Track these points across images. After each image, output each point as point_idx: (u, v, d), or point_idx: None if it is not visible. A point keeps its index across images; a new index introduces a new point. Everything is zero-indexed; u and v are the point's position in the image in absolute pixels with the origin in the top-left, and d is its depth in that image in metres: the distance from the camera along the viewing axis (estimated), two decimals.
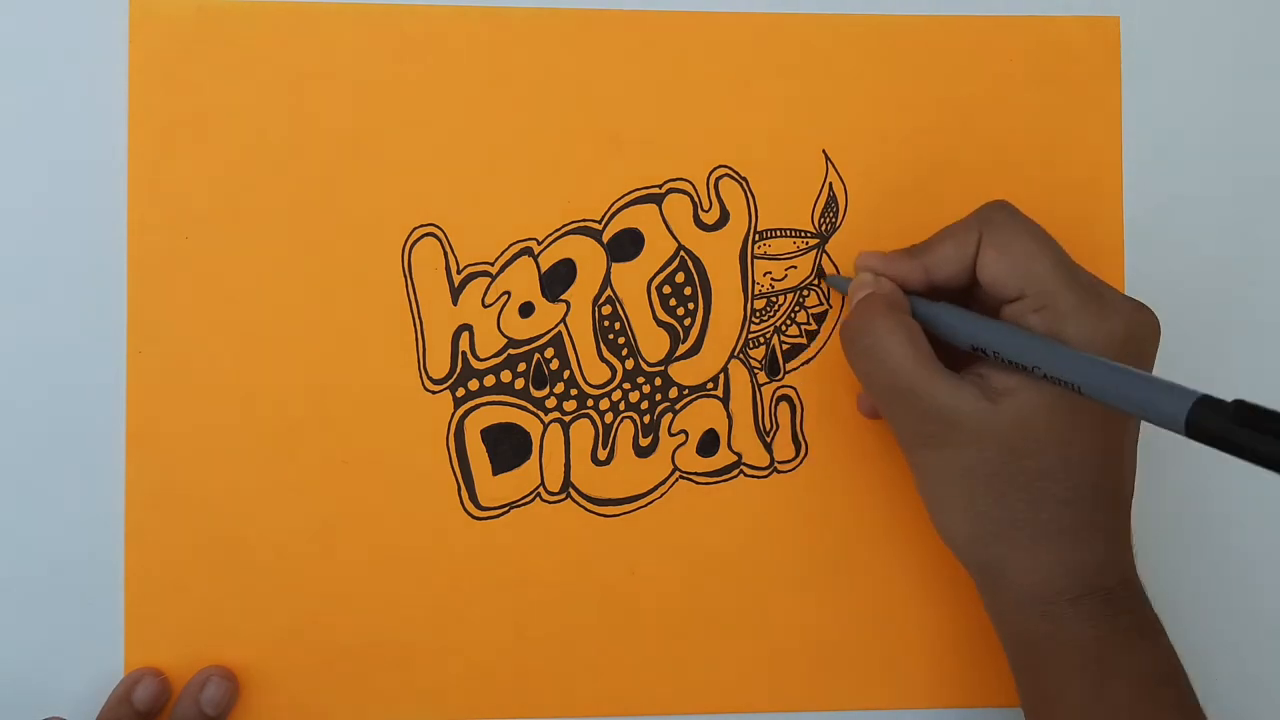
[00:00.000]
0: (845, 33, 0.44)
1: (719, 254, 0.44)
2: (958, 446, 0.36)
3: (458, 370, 0.43)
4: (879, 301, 0.38)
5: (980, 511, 0.37)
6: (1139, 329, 0.37)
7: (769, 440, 0.44)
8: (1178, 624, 0.38)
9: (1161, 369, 0.44)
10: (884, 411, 0.39)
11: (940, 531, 0.39)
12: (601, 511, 0.43)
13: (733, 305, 0.44)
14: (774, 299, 0.44)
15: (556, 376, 0.43)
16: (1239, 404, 0.30)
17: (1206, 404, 0.30)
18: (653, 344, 0.44)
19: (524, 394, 0.43)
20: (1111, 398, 0.33)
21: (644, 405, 0.44)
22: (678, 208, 0.44)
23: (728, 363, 0.44)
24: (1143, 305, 0.37)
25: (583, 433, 0.43)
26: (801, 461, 0.44)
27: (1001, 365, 0.36)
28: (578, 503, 0.43)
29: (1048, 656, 0.37)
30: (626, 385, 0.44)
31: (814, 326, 0.44)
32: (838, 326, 0.44)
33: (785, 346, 0.44)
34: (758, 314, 0.44)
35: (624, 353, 0.44)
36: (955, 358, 0.38)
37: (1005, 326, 0.37)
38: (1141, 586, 0.38)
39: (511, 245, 0.43)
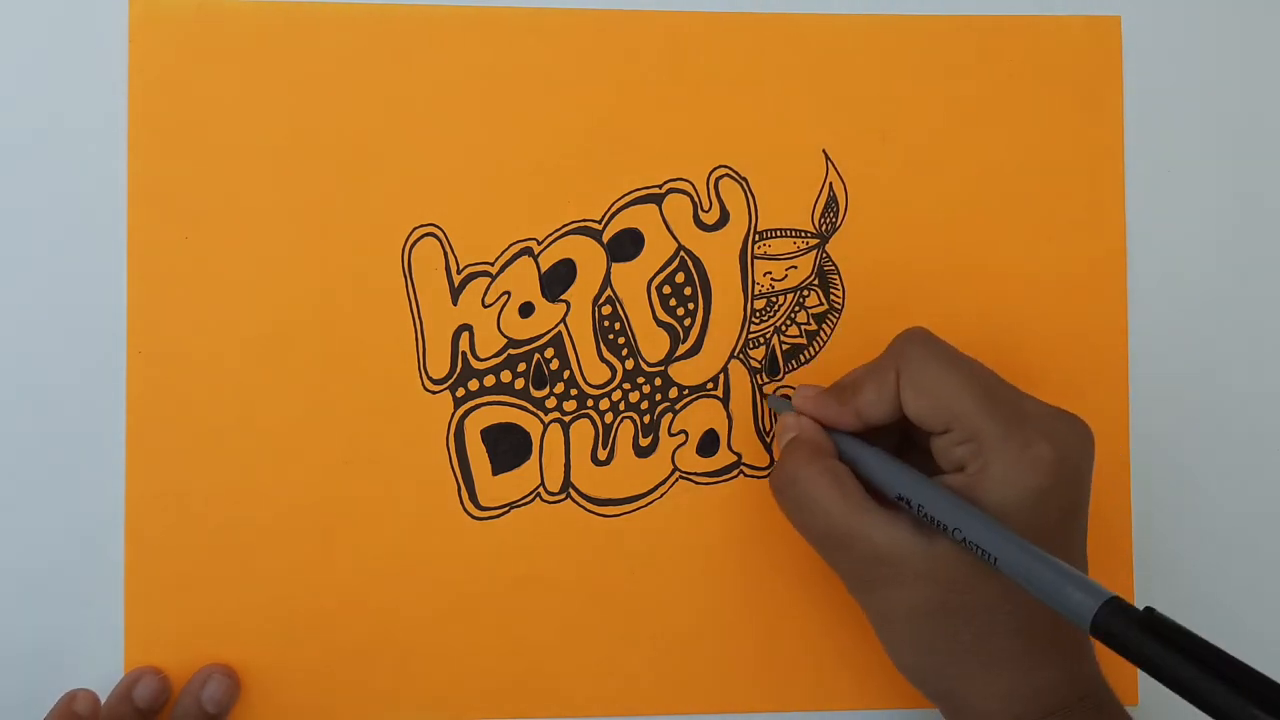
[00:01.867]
0: (845, 33, 0.44)
1: (719, 254, 0.44)
2: (898, 586, 0.36)
3: (458, 370, 0.43)
4: (803, 449, 0.38)
5: (931, 646, 0.37)
6: (1068, 448, 0.36)
7: (769, 440, 0.44)
8: None
9: (1162, 369, 0.44)
10: (823, 557, 0.38)
11: (896, 665, 0.38)
12: (601, 511, 0.43)
13: (733, 305, 0.44)
14: (774, 299, 0.44)
15: (556, 376, 0.43)
16: (1149, 613, 0.29)
17: (1114, 607, 0.30)
18: (653, 344, 0.44)
19: (524, 394, 0.43)
20: (1024, 580, 0.32)
21: (644, 405, 0.44)
22: (678, 208, 0.44)
23: (728, 363, 0.44)
24: (1071, 418, 0.37)
25: (583, 433, 0.43)
26: None
27: (925, 522, 0.36)
28: (578, 503, 0.43)
29: None
30: (626, 385, 0.44)
31: (814, 326, 0.44)
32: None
33: (785, 346, 0.44)
34: (758, 314, 0.44)
35: (624, 353, 0.44)
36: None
37: (928, 484, 0.36)
38: (1110, 692, 0.37)
39: (511, 245, 0.43)
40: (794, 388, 0.44)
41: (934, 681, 0.38)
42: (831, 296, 0.44)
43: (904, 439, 0.40)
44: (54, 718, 0.40)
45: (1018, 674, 0.36)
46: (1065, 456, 0.35)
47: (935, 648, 0.37)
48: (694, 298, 0.44)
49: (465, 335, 0.43)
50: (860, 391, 0.38)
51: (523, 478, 0.43)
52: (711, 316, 0.44)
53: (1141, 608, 0.30)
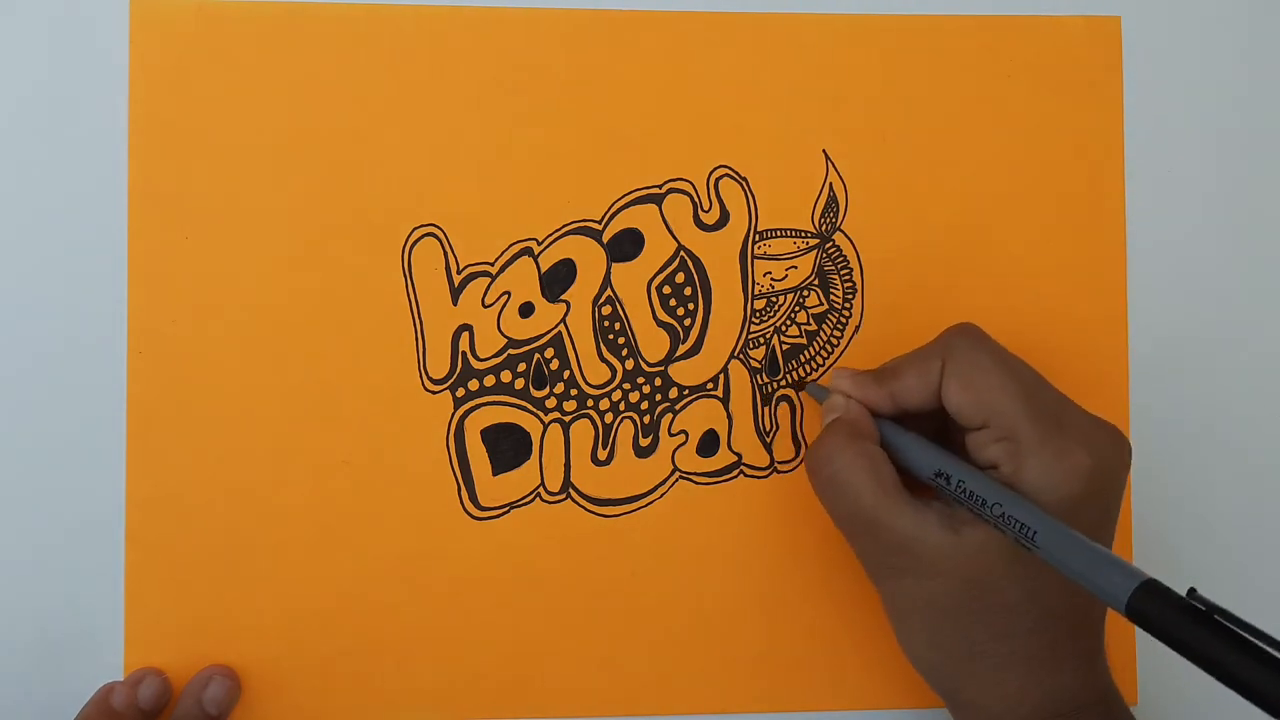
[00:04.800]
0: (845, 33, 0.44)
1: (719, 254, 0.44)
2: (920, 576, 0.36)
3: (458, 370, 0.43)
4: (844, 429, 0.38)
5: (943, 641, 0.37)
6: (1105, 460, 0.36)
7: (769, 440, 0.44)
8: None
9: (1162, 372, 0.44)
10: (848, 539, 0.38)
11: (906, 656, 0.38)
12: (601, 511, 0.43)
13: (733, 305, 0.44)
14: (774, 299, 0.44)
15: (556, 376, 0.43)
16: (1190, 595, 0.28)
17: (1151, 589, 0.29)
18: (653, 344, 0.44)
19: (524, 394, 0.43)
20: (1059, 560, 0.32)
21: (644, 405, 0.44)
22: (678, 208, 0.44)
23: (728, 363, 0.44)
24: (1110, 428, 0.37)
25: (583, 433, 0.43)
26: (801, 461, 0.44)
27: (962, 501, 0.36)
28: (578, 503, 0.43)
29: None
30: (626, 385, 0.44)
31: (814, 327, 0.44)
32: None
33: (785, 346, 0.44)
34: (758, 314, 0.44)
35: (624, 353, 0.44)
36: (922, 482, 0.38)
37: (968, 467, 0.36)
38: (1118, 698, 0.37)
39: (511, 245, 0.43)
40: (795, 387, 0.44)
41: (943, 677, 0.38)
42: (831, 296, 0.44)
43: (938, 435, 0.40)
44: (89, 709, 0.40)
45: (1029, 677, 0.36)
46: (1100, 467, 0.35)
47: (949, 643, 0.37)
48: (694, 298, 0.44)
49: (465, 335, 0.43)
50: (901, 377, 0.38)
51: (523, 478, 0.43)
52: (711, 316, 0.44)
53: (1185, 590, 0.29)
